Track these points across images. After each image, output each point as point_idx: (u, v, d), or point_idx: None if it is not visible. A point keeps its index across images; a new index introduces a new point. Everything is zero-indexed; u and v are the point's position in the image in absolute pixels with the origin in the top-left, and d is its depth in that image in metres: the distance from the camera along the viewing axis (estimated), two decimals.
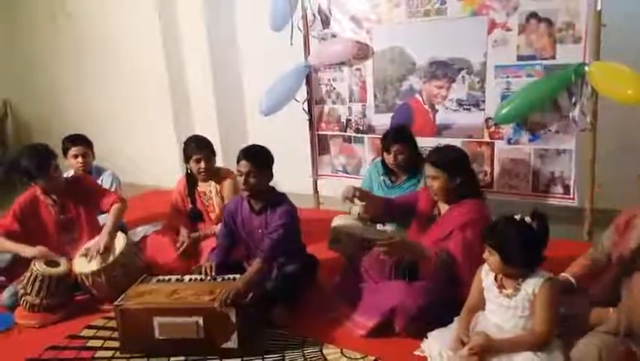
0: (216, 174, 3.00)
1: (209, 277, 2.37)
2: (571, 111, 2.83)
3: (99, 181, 3.25)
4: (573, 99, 2.81)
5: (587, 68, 2.69)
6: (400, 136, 2.81)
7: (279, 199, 2.50)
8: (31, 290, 2.48)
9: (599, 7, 2.61)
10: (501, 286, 1.79)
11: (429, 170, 2.23)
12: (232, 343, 2.08)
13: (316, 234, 2.94)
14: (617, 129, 2.87)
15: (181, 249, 2.85)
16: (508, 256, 1.71)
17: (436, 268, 2.12)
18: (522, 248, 1.69)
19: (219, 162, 3.17)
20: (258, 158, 2.42)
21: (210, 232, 2.93)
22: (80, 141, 3.28)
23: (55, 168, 2.67)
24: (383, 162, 2.92)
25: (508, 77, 2.95)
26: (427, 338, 1.98)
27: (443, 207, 2.30)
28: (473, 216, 2.14)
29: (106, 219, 2.77)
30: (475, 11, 2.96)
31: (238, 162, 2.43)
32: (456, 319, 1.94)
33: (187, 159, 2.96)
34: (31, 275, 2.49)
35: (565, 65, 2.77)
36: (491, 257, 1.75)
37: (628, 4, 2.86)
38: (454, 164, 2.21)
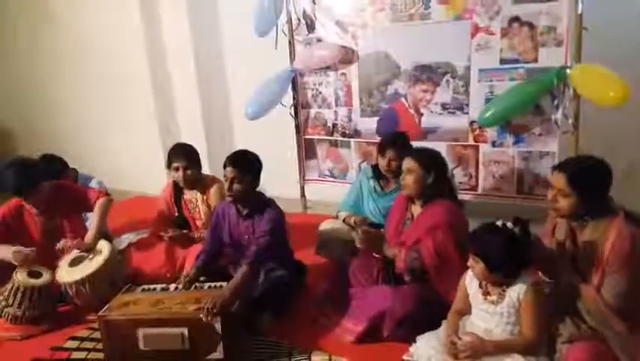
0: (201, 183, 2.95)
1: (194, 286, 2.34)
2: (553, 114, 2.87)
3: None
4: (555, 102, 2.84)
5: (568, 71, 2.72)
6: (396, 143, 2.78)
7: (266, 204, 2.49)
8: (13, 302, 2.44)
9: (580, 11, 2.63)
10: (486, 293, 1.79)
11: (406, 163, 2.29)
12: (218, 353, 2.05)
13: (304, 239, 2.92)
14: (598, 131, 2.90)
15: (170, 235, 2.84)
16: (493, 264, 1.71)
17: (407, 268, 2.16)
18: (506, 256, 1.69)
19: (205, 168, 3.14)
20: (243, 164, 2.41)
21: (199, 237, 2.89)
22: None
23: (49, 184, 2.66)
24: (375, 166, 2.92)
25: (491, 80, 2.98)
26: (415, 342, 1.97)
27: (416, 210, 2.33)
28: (444, 219, 2.17)
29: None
30: (458, 16, 2.98)
31: (224, 167, 2.42)
32: (444, 322, 1.94)
33: (169, 166, 2.92)
34: (12, 286, 2.45)
35: (547, 68, 2.80)
36: (476, 265, 1.76)
37: (609, 8, 2.89)
38: (430, 160, 2.27)
